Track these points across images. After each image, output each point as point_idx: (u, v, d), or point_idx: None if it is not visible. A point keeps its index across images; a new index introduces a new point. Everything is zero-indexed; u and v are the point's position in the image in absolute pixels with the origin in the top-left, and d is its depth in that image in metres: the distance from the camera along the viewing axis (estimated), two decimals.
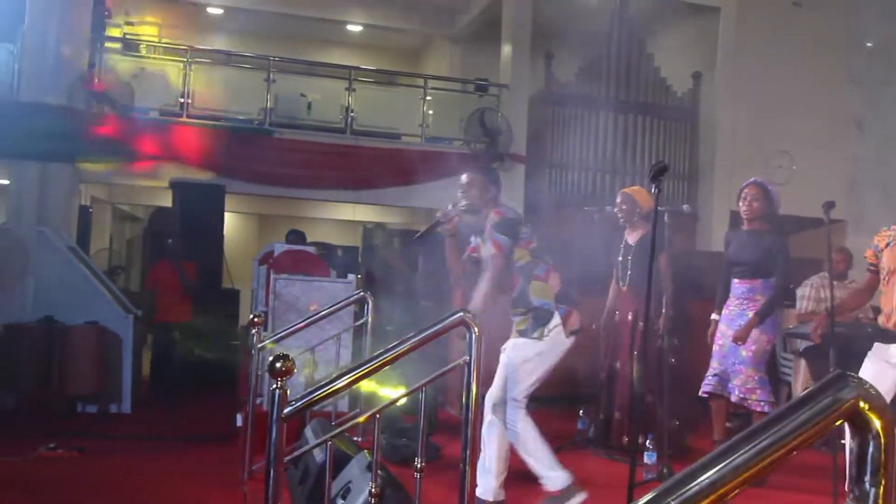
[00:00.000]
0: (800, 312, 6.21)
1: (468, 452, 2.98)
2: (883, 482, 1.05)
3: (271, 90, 9.74)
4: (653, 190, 3.61)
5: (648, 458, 4.49)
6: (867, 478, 1.06)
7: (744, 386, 4.62)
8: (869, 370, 3.80)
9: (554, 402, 6.68)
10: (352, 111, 9.95)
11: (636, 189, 5.34)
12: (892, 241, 3.90)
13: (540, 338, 3.87)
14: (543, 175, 10.23)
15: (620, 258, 5.23)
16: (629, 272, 5.15)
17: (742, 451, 1.02)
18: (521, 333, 3.92)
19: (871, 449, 1.06)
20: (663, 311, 4.99)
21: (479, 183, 3.98)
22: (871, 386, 1.08)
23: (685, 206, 5.38)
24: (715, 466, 1.01)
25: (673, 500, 0.98)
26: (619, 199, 5.24)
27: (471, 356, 2.98)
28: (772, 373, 6.50)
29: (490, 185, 4.01)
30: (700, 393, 4.84)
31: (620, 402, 5.08)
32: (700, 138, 10.73)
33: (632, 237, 5.18)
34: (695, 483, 1.00)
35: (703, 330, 5.01)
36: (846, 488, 1.11)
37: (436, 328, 3.02)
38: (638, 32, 10.69)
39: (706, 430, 5.04)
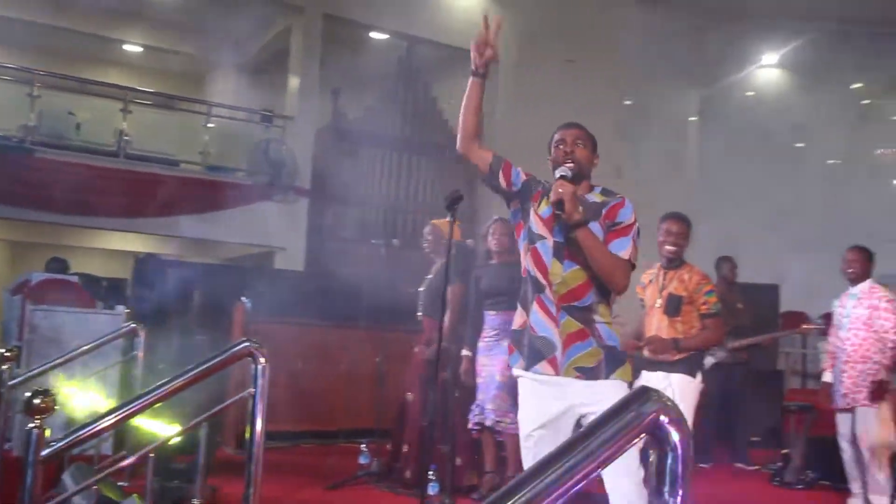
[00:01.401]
0: None
1: (251, 490, 2.82)
2: (681, 492, 1.10)
3: (35, 106, 8.93)
4: (448, 218, 3.67)
5: (431, 489, 4.51)
6: (666, 489, 1.10)
7: (498, 409, 4.73)
8: None
9: (333, 438, 6.59)
10: (126, 134, 9.35)
11: (444, 221, 5.42)
12: (654, 279, 4.26)
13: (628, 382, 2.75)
14: (328, 209, 10.19)
15: (421, 289, 5.27)
16: (423, 303, 5.19)
17: (554, 469, 1.02)
18: (590, 374, 2.64)
19: (669, 461, 1.10)
20: (441, 343, 5.04)
21: (589, 143, 2.84)
22: (670, 400, 1.12)
23: (469, 241, 5.54)
24: (529, 485, 1.01)
25: None
26: (426, 230, 5.29)
27: (256, 388, 2.84)
28: None
29: (596, 150, 2.89)
30: (469, 426, 4.91)
31: (409, 435, 5.07)
32: (479, 181, 11.19)
33: (435, 268, 5.24)
34: (517, 496, 0.98)
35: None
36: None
37: (219, 359, 2.86)
38: (424, 75, 11.03)
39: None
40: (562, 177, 2.65)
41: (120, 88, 9.92)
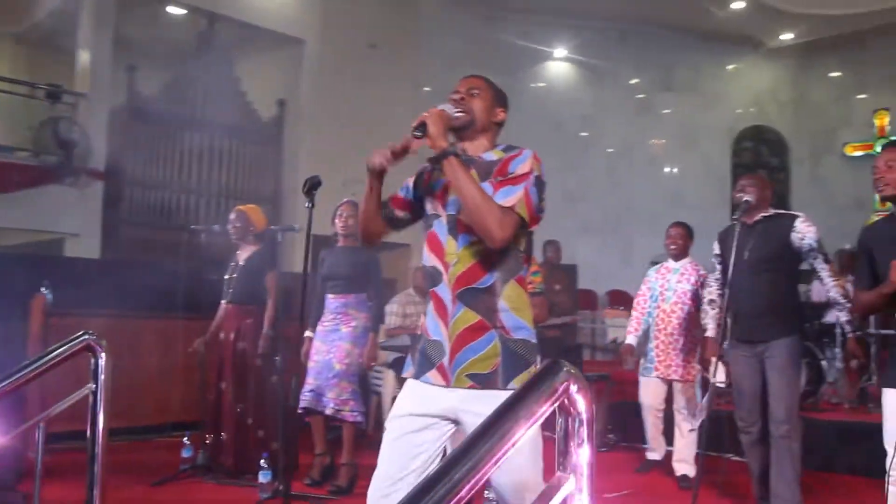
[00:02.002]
0: (388, 327, 6.75)
1: (94, 492, 2.71)
2: (588, 452, 1.26)
3: None
4: (306, 205, 3.68)
5: (264, 476, 4.49)
6: (573, 450, 1.26)
7: (338, 398, 4.78)
8: None
9: (152, 432, 6.33)
10: None
11: (251, 207, 5.35)
12: None
13: None
14: (125, 193, 9.66)
15: (227, 276, 5.18)
16: (232, 290, 5.12)
17: (488, 438, 1.14)
18: (485, 381, 2.16)
19: (577, 424, 1.26)
20: (264, 330, 5.03)
21: (488, 94, 2.38)
22: (577, 369, 1.28)
23: (296, 226, 5.46)
24: (468, 454, 1.12)
25: (441, 486, 1.06)
26: (232, 217, 5.21)
27: (98, 383, 2.73)
28: (363, 384, 6.95)
29: (501, 104, 2.40)
30: (298, 409, 4.92)
31: (228, 424, 4.99)
32: (284, 163, 11.07)
33: (242, 255, 5.17)
34: (454, 471, 1.09)
35: (298, 349, 5.01)
36: (557, 462, 1.30)
37: (54, 355, 2.71)
38: (226, 54, 10.69)
39: (310, 446, 5.13)
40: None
41: None
